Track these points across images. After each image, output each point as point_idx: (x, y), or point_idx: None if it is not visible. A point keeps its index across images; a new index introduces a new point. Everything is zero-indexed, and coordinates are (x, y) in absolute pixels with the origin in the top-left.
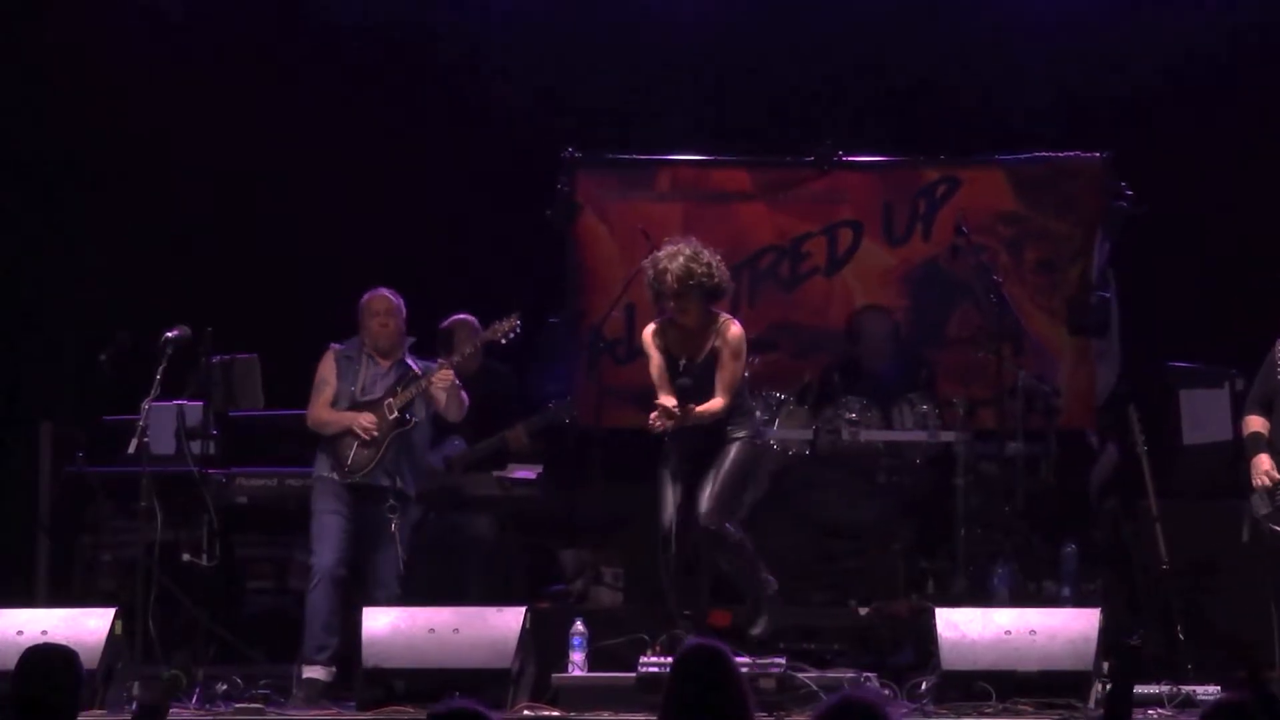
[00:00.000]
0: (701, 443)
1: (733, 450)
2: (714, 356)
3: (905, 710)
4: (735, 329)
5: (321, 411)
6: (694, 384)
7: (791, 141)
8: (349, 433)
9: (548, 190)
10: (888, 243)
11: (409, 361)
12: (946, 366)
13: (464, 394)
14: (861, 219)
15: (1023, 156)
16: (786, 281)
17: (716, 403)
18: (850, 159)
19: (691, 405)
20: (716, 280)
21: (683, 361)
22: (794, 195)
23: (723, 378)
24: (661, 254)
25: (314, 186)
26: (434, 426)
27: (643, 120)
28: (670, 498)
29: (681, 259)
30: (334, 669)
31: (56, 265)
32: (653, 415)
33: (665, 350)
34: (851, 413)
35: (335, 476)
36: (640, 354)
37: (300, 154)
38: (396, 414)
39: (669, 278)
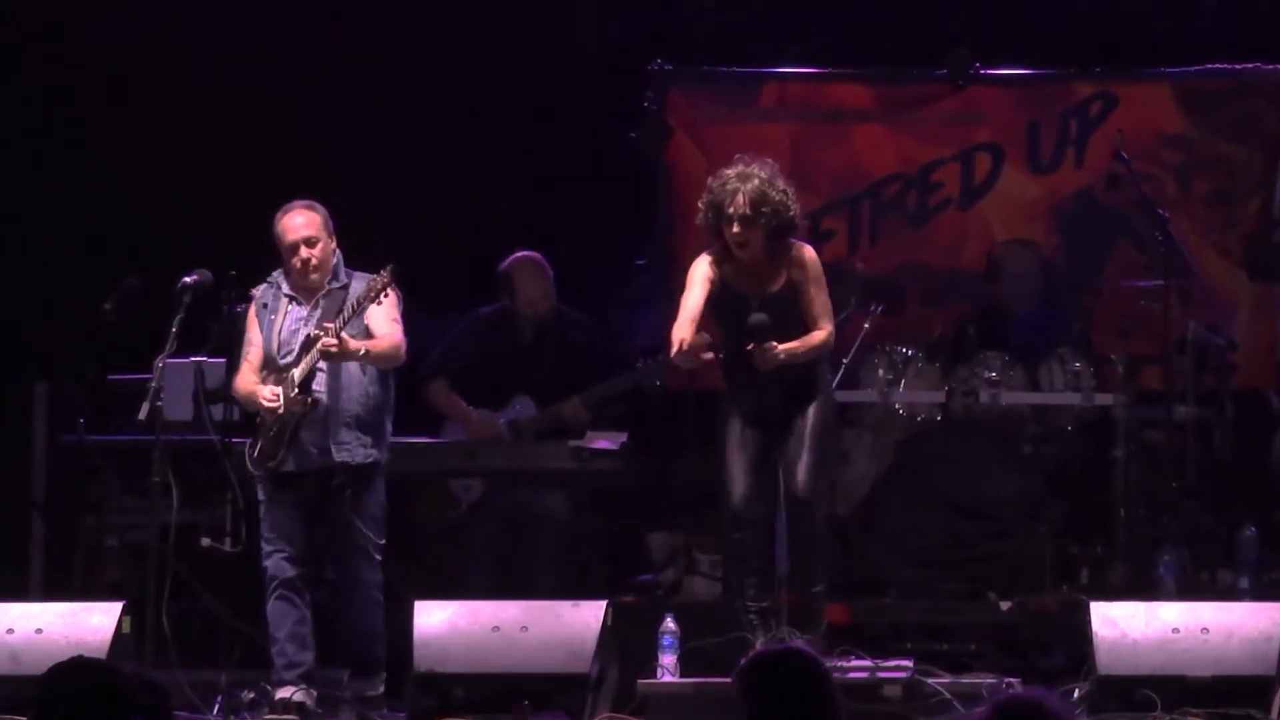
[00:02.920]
0: (782, 396)
1: (810, 411)
2: (793, 289)
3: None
4: (810, 251)
5: (239, 381)
6: (770, 321)
7: (920, 51)
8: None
9: (633, 110)
10: (1033, 170)
11: (332, 293)
12: (1103, 317)
13: (385, 344)
14: (1002, 142)
15: (1192, 69)
16: (914, 216)
17: (818, 334)
18: (989, 72)
19: (769, 344)
20: (791, 214)
21: (754, 300)
22: (923, 115)
23: (816, 307)
24: (730, 172)
25: (354, 107)
26: (493, 384)
27: (744, 25)
28: (740, 465)
29: (756, 181)
30: (314, 691)
31: (53, 198)
32: (672, 353)
33: (724, 284)
34: (991, 371)
35: (254, 473)
36: None
37: (338, 70)
38: (297, 390)
39: (741, 198)
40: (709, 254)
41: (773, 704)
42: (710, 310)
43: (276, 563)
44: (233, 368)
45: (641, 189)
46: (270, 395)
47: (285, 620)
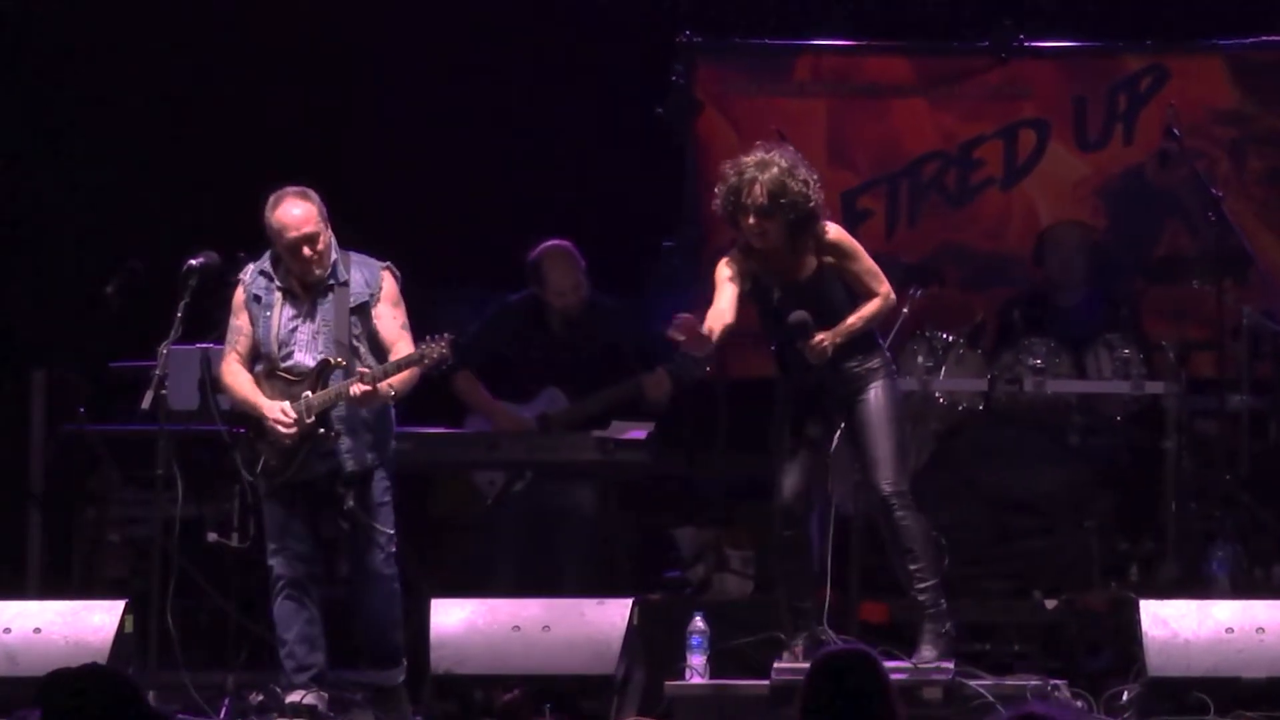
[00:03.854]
0: (830, 384)
1: (872, 394)
2: (830, 273)
3: None
4: (836, 229)
5: (229, 374)
6: (809, 314)
7: (961, 22)
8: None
9: (660, 84)
10: (1080, 147)
11: (334, 291)
12: (1153, 301)
13: (407, 377)
14: (1047, 118)
15: (1247, 41)
16: (954, 196)
17: (874, 301)
18: (1034, 44)
19: (818, 339)
20: (812, 205)
21: (776, 292)
22: (964, 89)
23: (864, 278)
24: (749, 160)
25: (368, 80)
26: (522, 375)
27: None
28: (791, 459)
29: (776, 170)
30: (325, 694)
31: (53, 177)
32: (677, 334)
33: (753, 279)
34: (1036, 358)
35: (256, 481)
36: None
37: (352, 39)
38: (314, 419)
39: (758, 189)
40: (729, 255)
41: (833, 707)
42: (750, 306)
43: (281, 562)
44: None
45: (669, 167)
46: (286, 420)
47: (293, 622)
